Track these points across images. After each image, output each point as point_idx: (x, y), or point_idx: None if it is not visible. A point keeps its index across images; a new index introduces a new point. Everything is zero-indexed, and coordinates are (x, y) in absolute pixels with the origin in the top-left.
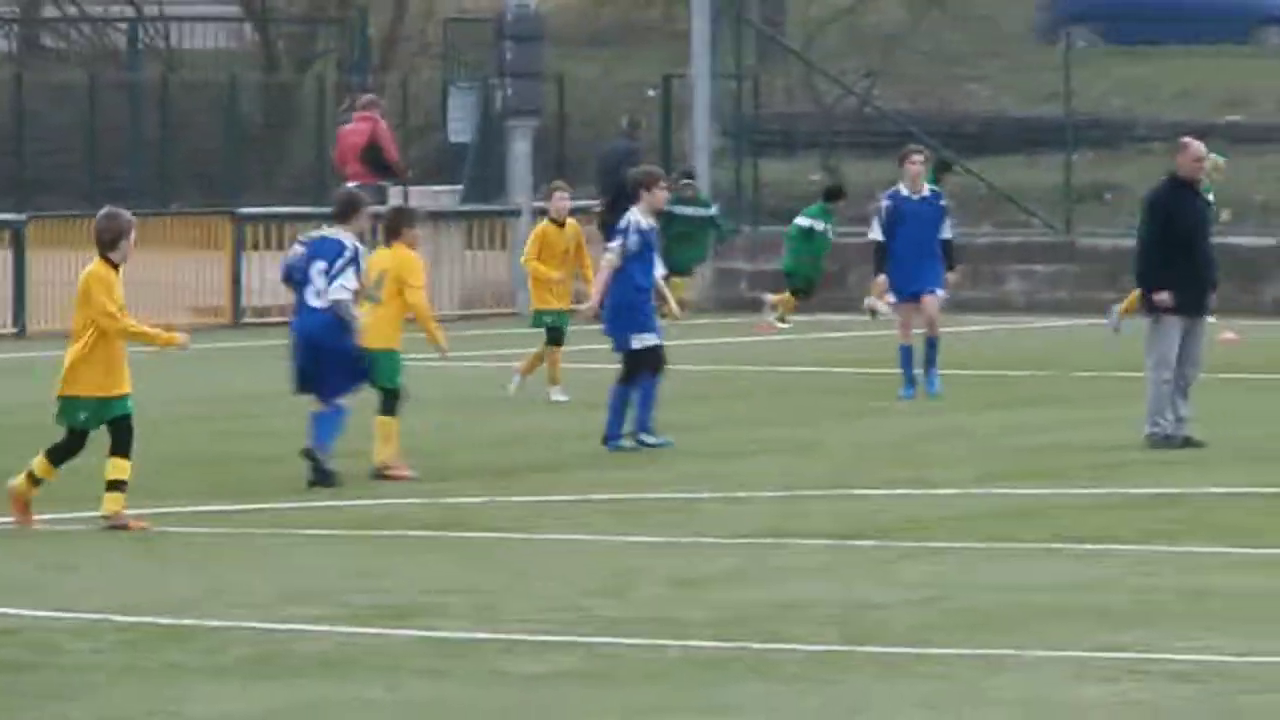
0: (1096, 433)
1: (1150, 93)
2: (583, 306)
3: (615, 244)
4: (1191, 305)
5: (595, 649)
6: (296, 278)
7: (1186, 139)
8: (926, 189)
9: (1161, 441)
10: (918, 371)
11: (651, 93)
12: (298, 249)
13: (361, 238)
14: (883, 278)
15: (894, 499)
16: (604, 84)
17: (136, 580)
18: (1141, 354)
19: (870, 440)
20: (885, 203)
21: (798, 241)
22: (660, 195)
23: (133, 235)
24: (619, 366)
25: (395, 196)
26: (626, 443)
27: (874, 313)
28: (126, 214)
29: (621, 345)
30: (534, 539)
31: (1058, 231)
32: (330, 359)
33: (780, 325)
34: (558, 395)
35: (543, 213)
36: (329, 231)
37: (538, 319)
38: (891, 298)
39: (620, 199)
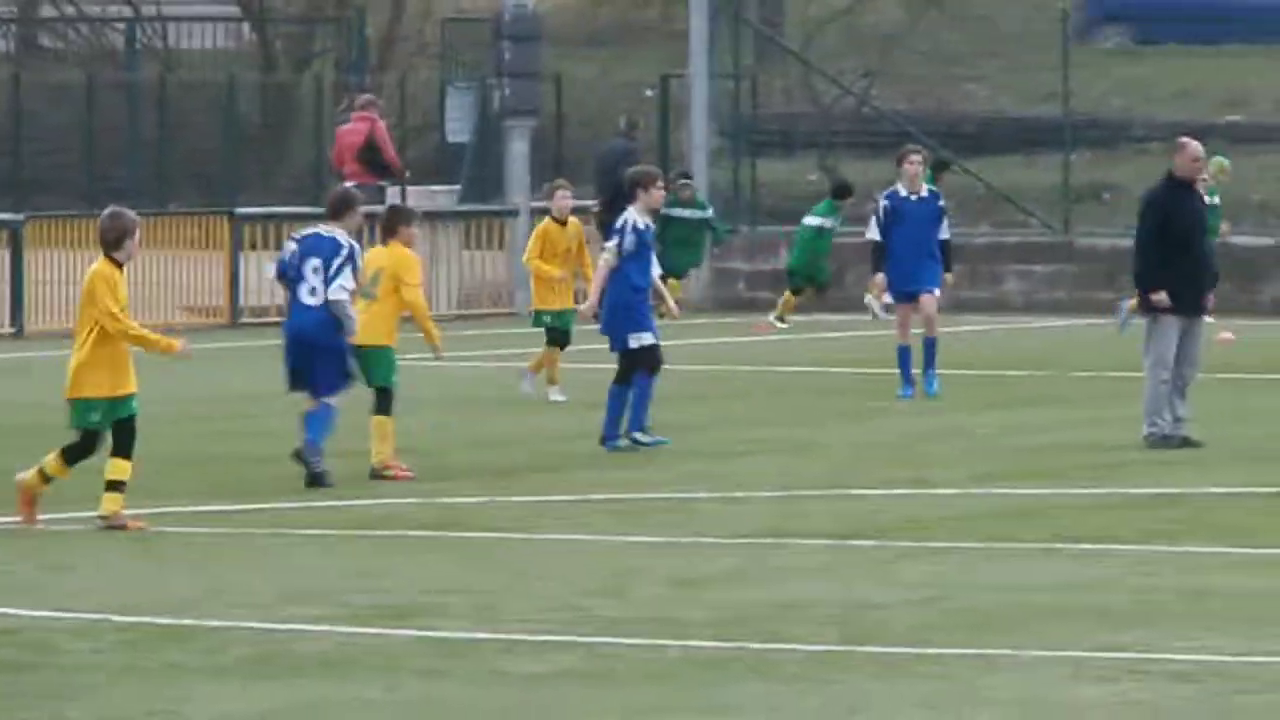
0: (1095, 433)
1: (1148, 93)
2: (582, 306)
3: (612, 244)
4: (1189, 305)
5: (595, 649)
6: (290, 275)
7: (1184, 139)
8: (924, 189)
9: (1160, 441)
10: (916, 371)
11: (649, 93)
12: (291, 246)
13: (356, 236)
14: (881, 276)
15: (893, 499)
16: (601, 84)
17: (135, 580)
18: (1139, 354)
19: (869, 440)
20: (883, 203)
21: (809, 240)
22: (657, 195)
23: (137, 235)
24: (617, 366)
25: (393, 197)
26: (623, 442)
27: (874, 315)
28: (131, 213)
29: (619, 345)
30: (533, 539)
31: (1056, 231)
32: (322, 357)
33: (779, 325)
34: (556, 395)
35: (543, 212)
36: (322, 229)
37: (538, 319)
38: (889, 297)
39: (618, 199)
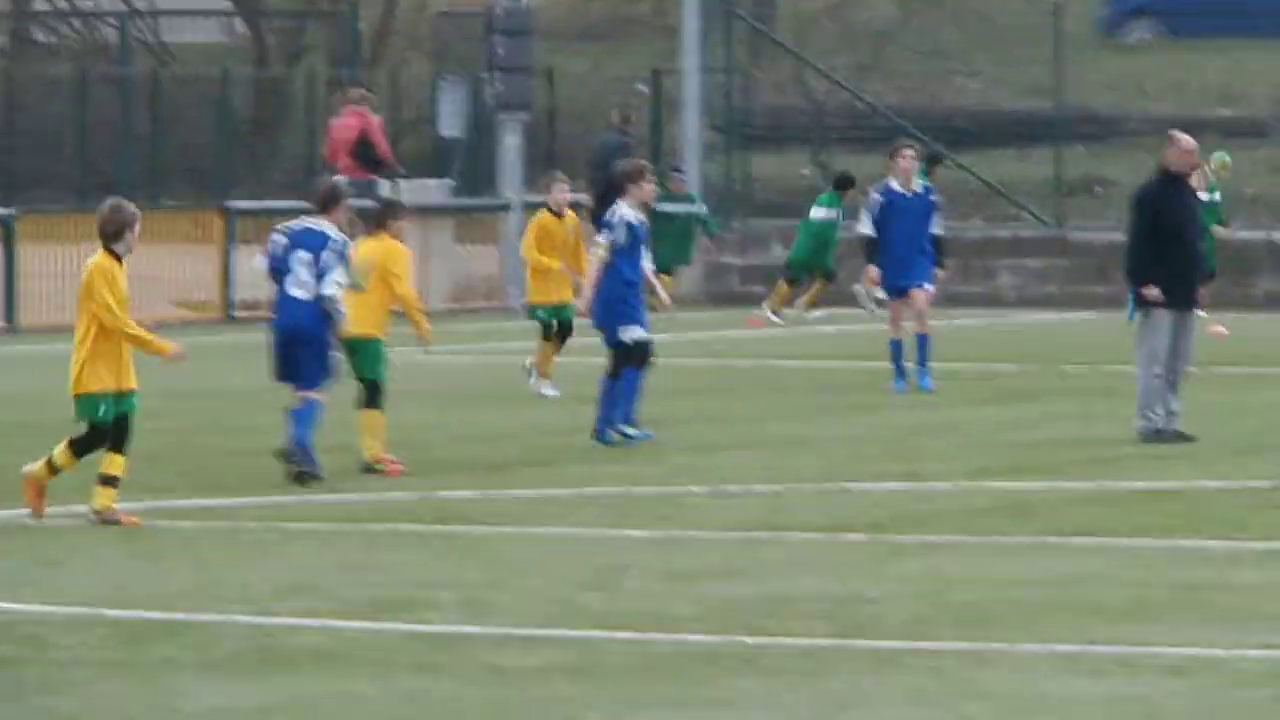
0: (1088, 427)
1: (1141, 87)
2: (577, 301)
3: (603, 238)
4: (1181, 299)
5: (586, 643)
6: (277, 268)
7: (1175, 132)
8: (918, 184)
9: (1152, 436)
10: (909, 365)
11: (641, 88)
12: (278, 239)
13: (344, 229)
14: (874, 269)
15: (885, 493)
16: (593, 78)
17: (127, 575)
18: (1132, 348)
19: (862, 435)
20: (876, 197)
21: (817, 232)
22: (648, 188)
23: (137, 227)
24: (608, 360)
25: (386, 191)
26: (615, 436)
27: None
28: (131, 206)
29: (611, 339)
30: (525, 533)
31: (1048, 225)
32: (309, 350)
33: (774, 319)
34: (547, 390)
35: (536, 206)
36: (310, 222)
37: (532, 312)
38: (881, 292)
39: (611, 193)
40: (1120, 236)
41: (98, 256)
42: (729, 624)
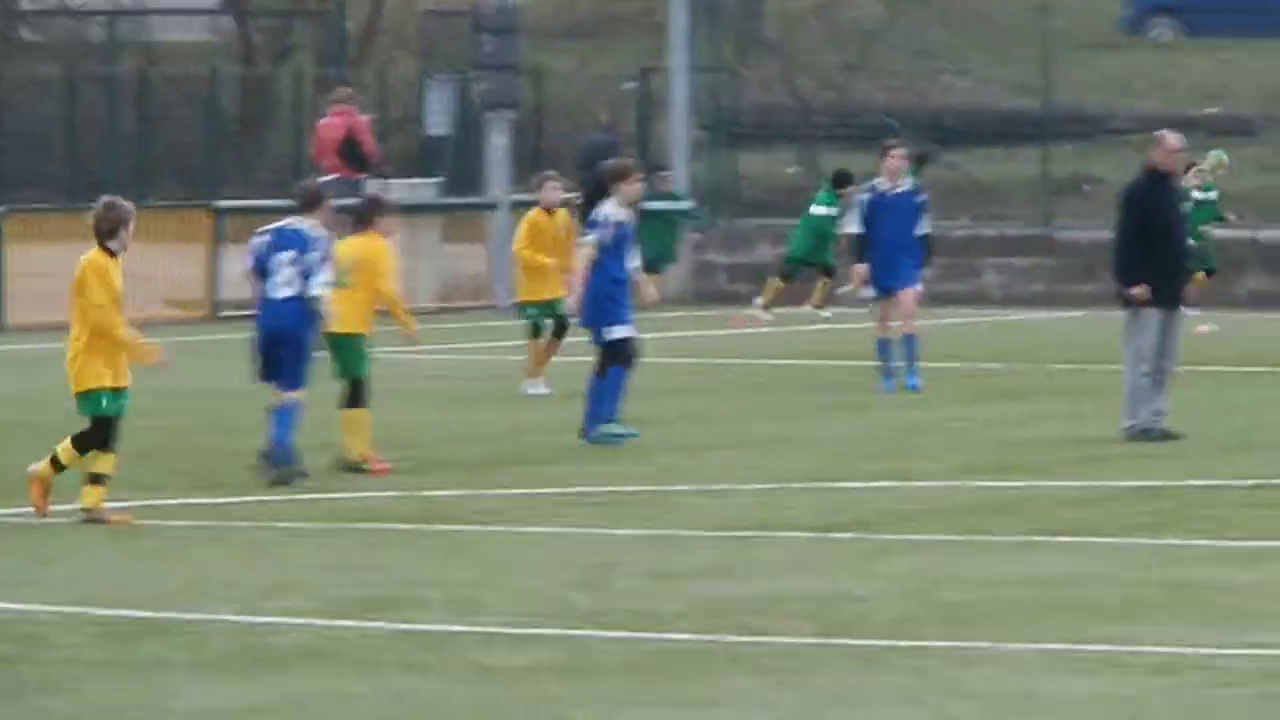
0: (1075, 426)
1: (1128, 85)
2: (569, 299)
3: (590, 238)
4: (1168, 298)
5: (574, 642)
6: (260, 269)
7: (1162, 132)
8: (907, 183)
9: (1140, 434)
10: (897, 364)
11: (629, 86)
12: (261, 239)
13: (327, 229)
14: (862, 266)
15: (873, 492)
16: (580, 76)
17: (116, 573)
18: (1119, 347)
19: (849, 433)
20: (864, 196)
21: (815, 229)
22: (635, 187)
23: (132, 224)
24: (596, 358)
25: (373, 189)
26: (600, 433)
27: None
28: (126, 203)
29: (598, 337)
30: (513, 532)
31: (1035, 224)
32: (292, 350)
33: (764, 316)
34: (534, 389)
35: (524, 204)
36: (293, 223)
37: (523, 311)
38: (870, 290)
39: (599, 193)
40: (1107, 235)
41: (92, 253)
42: (717, 623)
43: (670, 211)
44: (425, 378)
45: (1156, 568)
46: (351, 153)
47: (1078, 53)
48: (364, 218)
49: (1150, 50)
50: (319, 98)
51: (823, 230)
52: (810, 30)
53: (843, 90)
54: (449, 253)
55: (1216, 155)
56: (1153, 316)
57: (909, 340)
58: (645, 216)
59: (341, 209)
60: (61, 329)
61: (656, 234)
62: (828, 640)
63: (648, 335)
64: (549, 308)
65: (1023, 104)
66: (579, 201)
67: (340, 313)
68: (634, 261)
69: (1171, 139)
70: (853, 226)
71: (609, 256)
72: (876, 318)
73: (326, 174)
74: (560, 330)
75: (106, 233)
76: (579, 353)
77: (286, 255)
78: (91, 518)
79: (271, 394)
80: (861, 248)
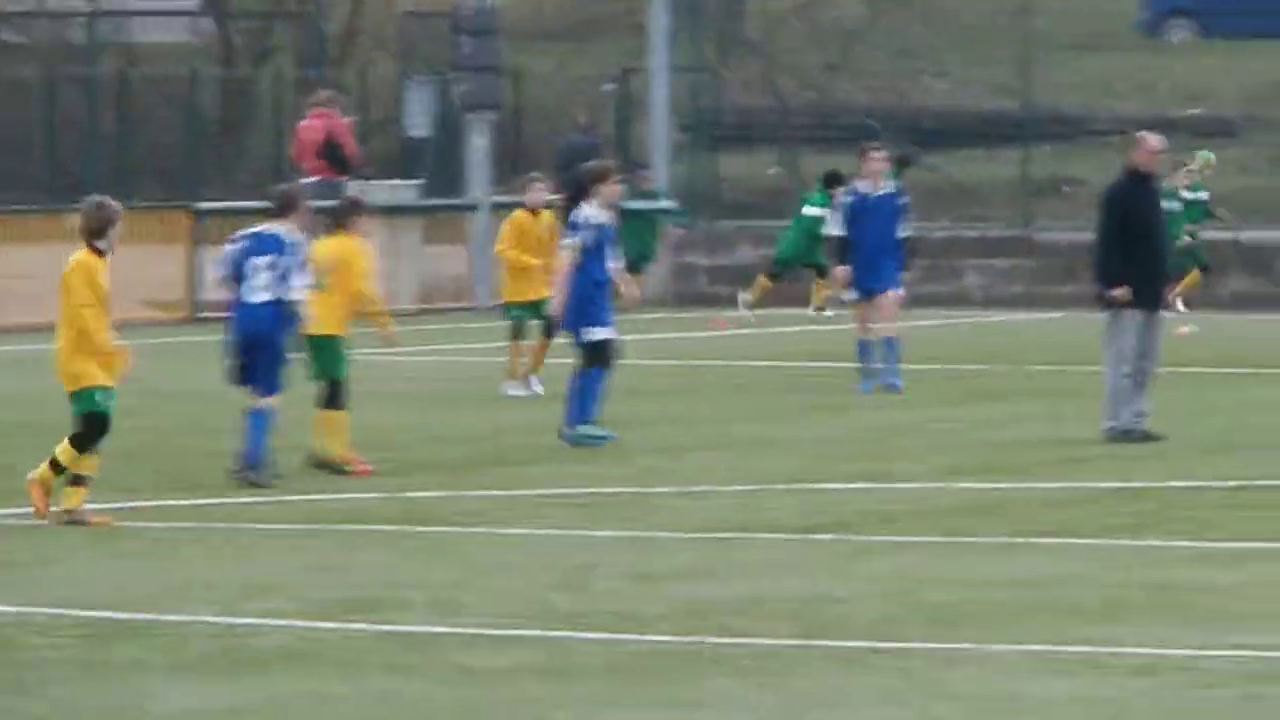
0: (1056, 427)
1: (1109, 87)
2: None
3: (572, 240)
4: (1149, 299)
5: (555, 643)
6: (235, 274)
7: (1142, 133)
8: (889, 185)
9: (1121, 436)
10: (878, 366)
11: (609, 87)
12: (236, 245)
13: (303, 232)
14: (843, 269)
15: (854, 493)
16: (559, 78)
17: (95, 575)
18: (1100, 348)
19: (830, 435)
20: (846, 199)
21: (808, 229)
22: (615, 189)
23: (119, 225)
24: (577, 360)
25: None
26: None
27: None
28: (114, 203)
29: (579, 339)
30: (494, 533)
31: (1015, 226)
32: (267, 355)
33: (747, 314)
34: (515, 390)
35: (505, 206)
36: (267, 227)
37: (507, 311)
38: (852, 293)
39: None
40: (1087, 237)
41: (80, 253)
42: (698, 624)
43: (651, 210)
44: (406, 379)
45: (1138, 569)
46: (333, 155)
47: (1058, 54)
48: (341, 219)
49: (1131, 52)
50: (299, 99)
51: (815, 231)
52: (791, 31)
53: (824, 91)
54: (429, 254)
55: (1205, 156)
56: (1133, 318)
57: (890, 343)
58: (626, 216)
59: (319, 210)
60: (38, 330)
61: (637, 233)
62: (809, 641)
63: (628, 337)
64: (533, 308)
65: (1003, 105)
66: (561, 203)
67: (318, 315)
68: (615, 262)
69: (1152, 140)
70: (835, 229)
71: (590, 258)
72: (858, 319)
73: (307, 176)
74: (549, 330)
75: (95, 232)
76: (560, 354)
77: (263, 260)
78: (72, 519)
79: (248, 397)
80: (844, 250)
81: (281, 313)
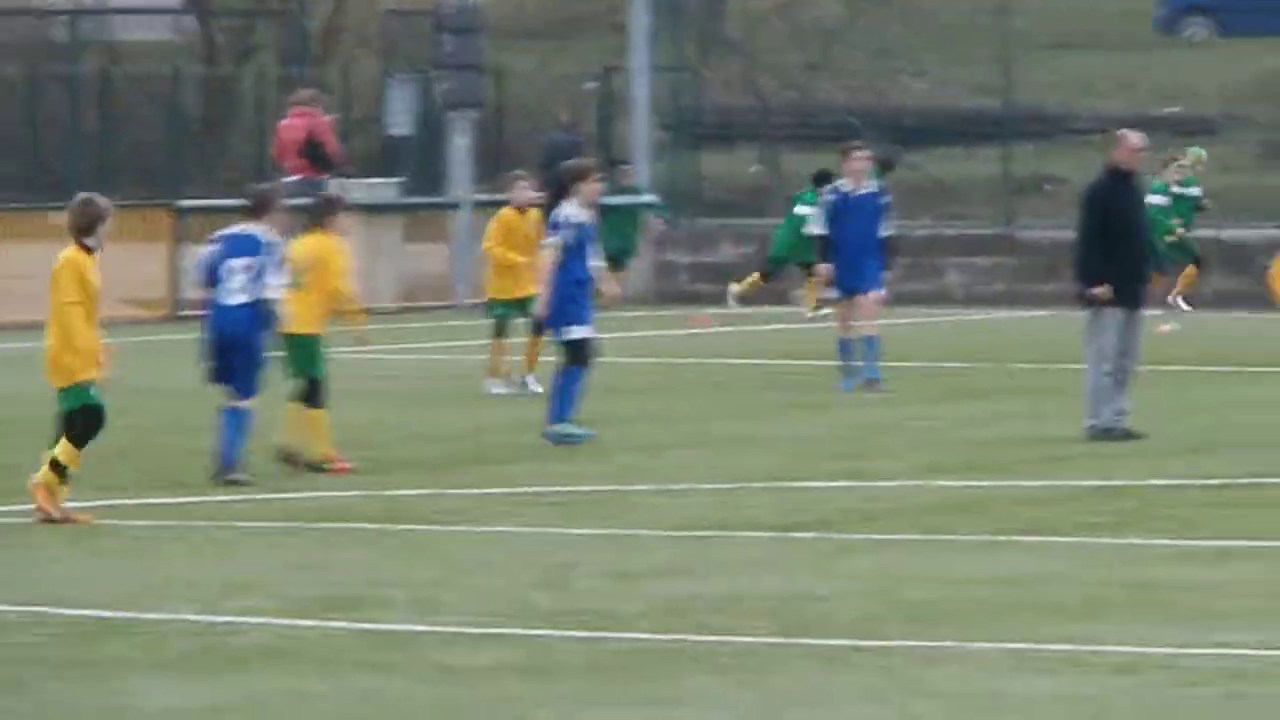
0: (1038, 426)
1: (1089, 85)
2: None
3: (553, 240)
4: (1130, 297)
5: (535, 642)
6: (211, 275)
7: (1123, 131)
8: (872, 184)
9: (1101, 434)
10: (858, 364)
11: (590, 86)
12: (212, 247)
13: (280, 232)
14: (825, 267)
15: (835, 491)
16: (540, 76)
17: (75, 573)
18: (1081, 346)
19: (811, 433)
20: (829, 198)
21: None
22: (595, 188)
23: (109, 222)
24: (558, 359)
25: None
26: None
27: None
28: (103, 200)
29: (560, 337)
30: (474, 532)
31: (997, 224)
32: (244, 356)
33: (733, 304)
34: (497, 388)
35: (488, 204)
36: (244, 228)
37: (491, 309)
38: (833, 291)
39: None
40: (1068, 235)
41: (69, 251)
42: (677, 622)
43: (632, 205)
44: (385, 377)
45: (1119, 567)
46: (314, 153)
47: (1038, 53)
48: (318, 217)
49: (1109, 51)
50: (281, 97)
51: (802, 229)
52: (772, 30)
53: (804, 90)
54: (411, 253)
55: (1196, 152)
56: (1114, 316)
57: (870, 341)
58: (607, 211)
59: (296, 209)
60: (19, 329)
61: (618, 228)
62: (790, 640)
63: (608, 335)
64: (519, 305)
65: (983, 104)
66: (543, 202)
67: (295, 313)
68: (596, 260)
69: (1133, 138)
70: (817, 228)
71: (571, 257)
72: (839, 318)
73: (289, 175)
74: (538, 328)
75: (84, 229)
76: (552, 352)
77: (239, 262)
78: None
79: (225, 397)
80: (826, 249)
81: (258, 314)
